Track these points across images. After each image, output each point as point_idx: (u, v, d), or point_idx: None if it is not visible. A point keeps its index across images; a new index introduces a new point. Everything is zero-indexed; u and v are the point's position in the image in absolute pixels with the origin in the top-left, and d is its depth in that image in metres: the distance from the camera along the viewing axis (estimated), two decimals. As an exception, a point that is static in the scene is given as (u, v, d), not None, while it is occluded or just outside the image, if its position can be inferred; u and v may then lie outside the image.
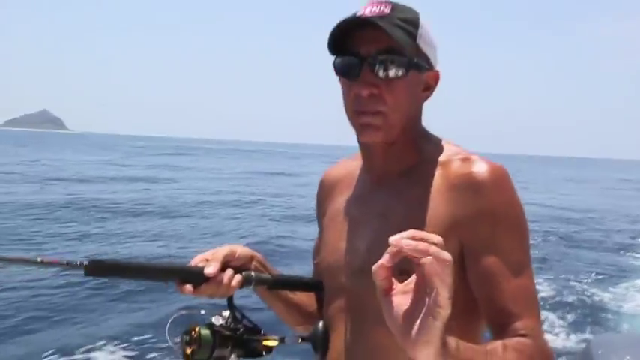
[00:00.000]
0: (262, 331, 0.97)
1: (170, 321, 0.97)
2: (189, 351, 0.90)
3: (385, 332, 0.86)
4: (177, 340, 0.93)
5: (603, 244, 11.75)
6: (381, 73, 0.90)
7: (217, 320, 0.94)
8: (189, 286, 0.93)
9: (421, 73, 0.95)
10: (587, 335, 5.36)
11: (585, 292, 7.36)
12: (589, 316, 6.25)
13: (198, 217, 12.39)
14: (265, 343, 0.96)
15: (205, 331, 0.91)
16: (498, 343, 0.85)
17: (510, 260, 0.91)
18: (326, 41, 0.94)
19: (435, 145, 0.99)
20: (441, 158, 0.96)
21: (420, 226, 0.90)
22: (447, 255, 0.64)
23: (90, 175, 20.92)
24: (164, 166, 29.27)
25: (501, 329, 0.90)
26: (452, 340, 0.71)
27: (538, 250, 9.83)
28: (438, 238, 0.65)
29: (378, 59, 0.90)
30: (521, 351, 0.85)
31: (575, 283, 7.82)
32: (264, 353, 0.96)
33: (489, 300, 0.91)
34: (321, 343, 0.99)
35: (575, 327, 5.78)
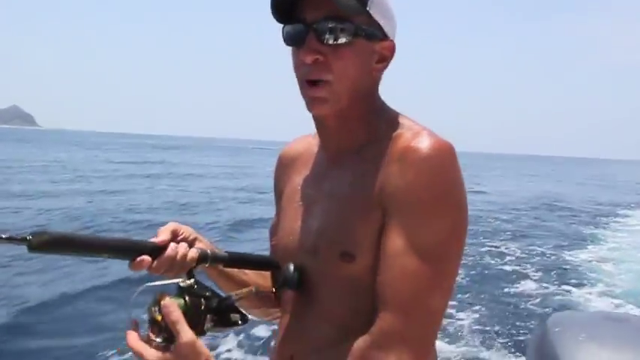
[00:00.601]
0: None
1: (135, 295, 0.85)
2: (160, 318, 0.81)
3: (336, 312, 0.87)
4: (135, 321, 0.83)
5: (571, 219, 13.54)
6: (326, 40, 0.86)
7: (185, 285, 0.86)
8: (146, 260, 0.86)
9: (371, 42, 0.89)
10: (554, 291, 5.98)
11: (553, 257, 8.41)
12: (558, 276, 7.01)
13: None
14: (238, 295, 0.90)
15: (179, 300, 0.83)
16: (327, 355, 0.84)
17: (413, 242, 0.80)
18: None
19: (391, 121, 0.92)
20: (394, 133, 0.89)
21: (358, 204, 0.87)
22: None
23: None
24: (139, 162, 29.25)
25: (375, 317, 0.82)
26: None
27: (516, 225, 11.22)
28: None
29: (323, 25, 0.86)
30: None
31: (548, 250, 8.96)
32: (239, 322, 0.89)
33: (376, 278, 0.83)
34: (296, 281, 0.94)
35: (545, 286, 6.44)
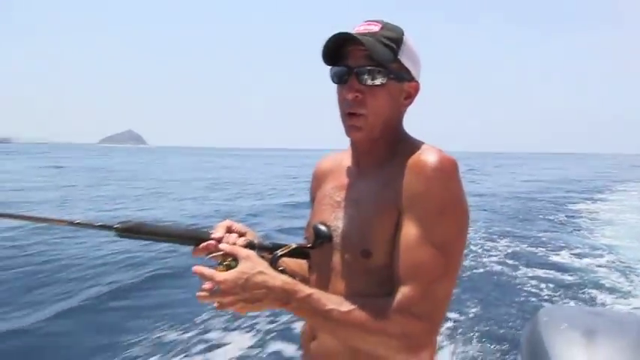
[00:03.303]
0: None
1: (206, 258, 0.87)
2: (223, 263, 0.82)
3: (347, 291, 0.88)
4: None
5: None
6: (364, 81, 0.89)
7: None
8: (211, 244, 0.89)
9: (401, 83, 0.92)
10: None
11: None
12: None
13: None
14: (282, 251, 0.92)
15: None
16: (362, 300, 0.82)
17: (427, 237, 0.82)
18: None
19: (409, 144, 0.93)
20: (410, 152, 0.90)
21: (371, 212, 0.89)
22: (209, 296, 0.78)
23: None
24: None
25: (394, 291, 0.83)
26: (292, 296, 0.79)
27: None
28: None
29: (362, 70, 0.89)
30: (371, 311, 0.80)
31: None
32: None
33: (394, 263, 0.84)
34: (328, 234, 0.94)
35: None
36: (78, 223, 0.87)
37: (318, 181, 1.10)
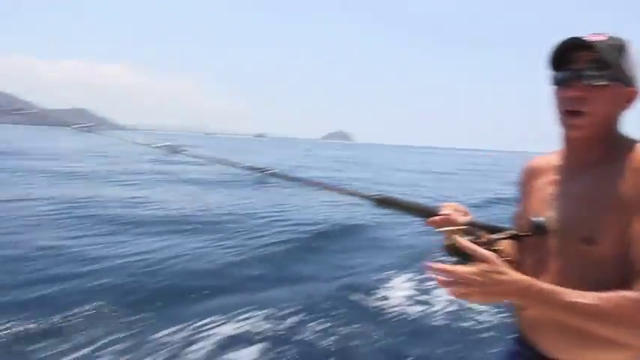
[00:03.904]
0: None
1: (437, 231, 0.98)
2: (455, 244, 0.88)
3: (568, 282, 0.88)
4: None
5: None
6: (588, 82, 0.90)
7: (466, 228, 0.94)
8: (437, 220, 0.99)
9: (622, 87, 0.91)
10: None
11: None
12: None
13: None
14: (499, 235, 0.95)
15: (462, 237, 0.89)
16: (601, 293, 0.80)
17: None
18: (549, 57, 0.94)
19: (627, 144, 0.91)
20: (632, 152, 0.88)
21: (595, 205, 0.89)
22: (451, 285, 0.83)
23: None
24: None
25: (632, 284, 0.81)
26: (535, 289, 0.81)
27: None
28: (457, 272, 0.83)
29: (586, 72, 0.90)
30: (617, 303, 0.79)
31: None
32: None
33: (633, 256, 0.83)
34: (545, 227, 0.95)
35: None
36: (348, 192, 1.09)
37: (528, 177, 1.11)
